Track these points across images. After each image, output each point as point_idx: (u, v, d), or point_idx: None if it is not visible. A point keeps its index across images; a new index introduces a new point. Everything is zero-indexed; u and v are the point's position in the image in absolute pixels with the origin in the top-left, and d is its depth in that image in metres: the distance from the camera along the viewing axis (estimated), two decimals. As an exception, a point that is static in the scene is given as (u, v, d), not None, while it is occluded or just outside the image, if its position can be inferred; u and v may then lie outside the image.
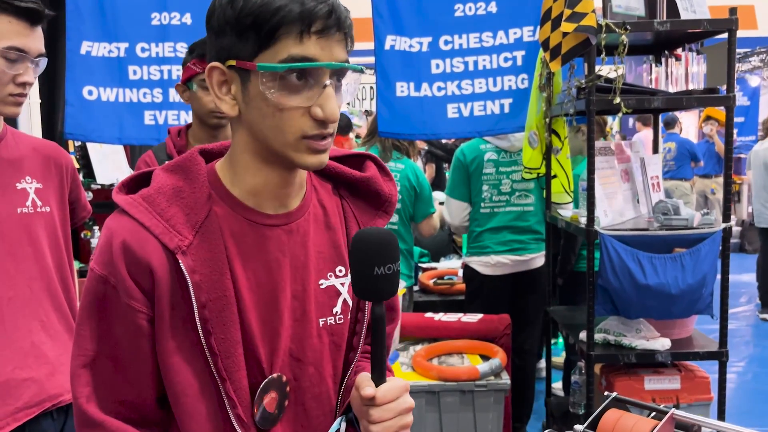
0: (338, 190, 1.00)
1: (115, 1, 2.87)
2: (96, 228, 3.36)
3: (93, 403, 0.85)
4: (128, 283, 0.82)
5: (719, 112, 7.46)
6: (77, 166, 3.59)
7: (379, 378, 0.85)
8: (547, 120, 2.87)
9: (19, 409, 1.41)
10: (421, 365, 2.48)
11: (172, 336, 0.84)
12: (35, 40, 1.39)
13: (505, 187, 3.11)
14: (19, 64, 1.36)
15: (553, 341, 4.43)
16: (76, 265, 3.12)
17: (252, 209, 0.88)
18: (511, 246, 3.09)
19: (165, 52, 2.89)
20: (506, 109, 2.99)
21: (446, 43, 3.00)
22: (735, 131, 9.42)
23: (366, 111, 8.29)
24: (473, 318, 2.77)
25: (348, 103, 7.15)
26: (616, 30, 2.22)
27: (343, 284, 0.96)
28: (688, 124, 9.26)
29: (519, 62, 2.97)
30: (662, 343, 2.36)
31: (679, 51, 2.62)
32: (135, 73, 2.88)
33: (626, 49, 2.23)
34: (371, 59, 3.03)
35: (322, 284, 0.93)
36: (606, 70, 2.32)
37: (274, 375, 0.90)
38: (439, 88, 3.01)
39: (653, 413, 1.22)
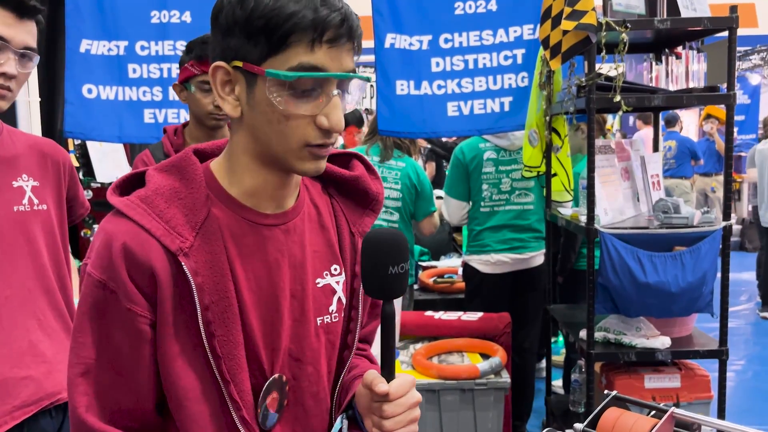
0: (327, 189, 1.00)
1: (115, -1, 2.87)
2: (96, 226, 3.36)
3: (92, 412, 0.83)
4: (129, 287, 0.81)
5: (719, 110, 7.45)
6: (77, 164, 3.59)
7: (389, 375, 0.87)
8: (548, 118, 2.86)
9: (16, 407, 1.41)
10: (421, 364, 2.48)
11: (174, 340, 0.83)
12: (21, 32, 1.36)
13: (504, 185, 3.11)
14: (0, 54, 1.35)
15: (553, 340, 4.43)
16: (76, 263, 3.12)
17: (250, 209, 0.87)
18: (511, 244, 3.09)
19: (165, 50, 2.89)
20: (506, 108, 2.99)
21: (446, 41, 2.99)
22: (735, 129, 9.44)
23: (366, 110, 8.29)
24: (473, 316, 2.77)
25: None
26: (617, 28, 2.21)
27: (338, 282, 0.96)
28: (689, 122, 9.26)
29: (519, 60, 2.96)
30: (662, 342, 2.36)
31: (679, 49, 2.62)
32: (135, 71, 2.88)
33: (626, 47, 2.22)
34: (371, 57, 3.02)
35: (318, 283, 0.94)
36: (606, 68, 2.32)
37: (276, 375, 0.90)
38: (439, 87, 3.00)
39: (653, 412, 1.22)
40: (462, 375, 2.41)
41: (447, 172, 3.32)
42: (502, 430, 2.50)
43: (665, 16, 2.41)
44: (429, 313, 2.85)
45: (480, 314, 2.79)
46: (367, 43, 3.05)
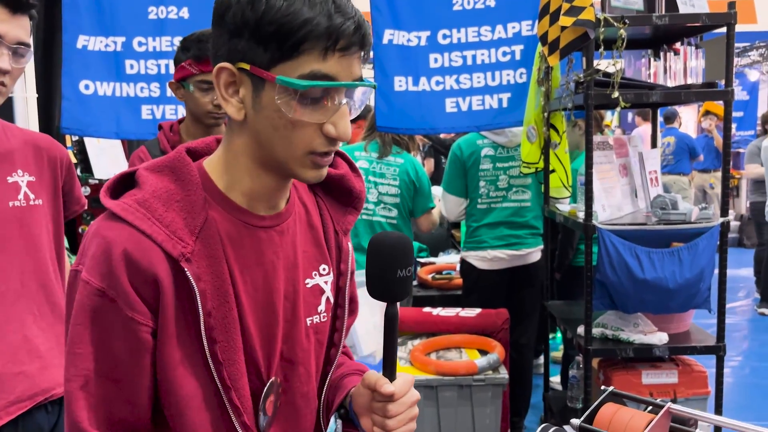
0: (313, 188, 0.99)
1: (112, -6, 2.86)
2: (94, 223, 3.35)
3: (95, 427, 0.81)
4: (131, 295, 0.78)
5: (718, 106, 7.45)
6: (74, 161, 3.58)
7: (391, 375, 0.89)
8: (546, 114, 2.86)
9: (11, 402, 1.41)
10: (419, 360, 2.48)
11: (176, 347, 0.81)
12: (14, 27, 1.35)
13: (502, 182, 3.10)
14: None
15: (551, 336, 4.44)
16: (73, 260, 3.12)
17: (247, 211, 0.86)
18: (508, 240, 3.09)
19: (162, 46, 2.88)
20: (504, 104, 2.98)
21: (444, 37, 2.99)
22: (734, 126, 9.44)
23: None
24: (471, 312, 2.77)
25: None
26: (615, 24, 2.21)
27: (326, 282, 0.96)
28: (687, 118, 9.25)
29: (517, 56, 2.96)
30: (660, 338, 2.36)
31: (677, 45, 2.62)
32: (132, 67, 2.87)
33: (624, 43, 2.22)
34: (369, 53, 3.01)
35: (308, 283, 0.94)
36: (604, 64, 2.31)
37: (273, 378, 0.90)
38: (438, 83, 3.00)
39: (650, 407, 1.22)
40: (460, 371, 2.41)
41: (445, 169, 3.31)
42: (500, 426, 2.50)
43: (663, 12, 2.41)
44: (427, 309, 2.85)
45: (478, 310, 2.79)
46: (366, 38, 3.05)
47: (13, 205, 1.45)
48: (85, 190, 3.23)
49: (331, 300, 0.98)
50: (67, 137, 3.68)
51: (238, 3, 0.78)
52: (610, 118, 9.46)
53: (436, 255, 4.45)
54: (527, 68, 2.94)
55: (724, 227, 2.33)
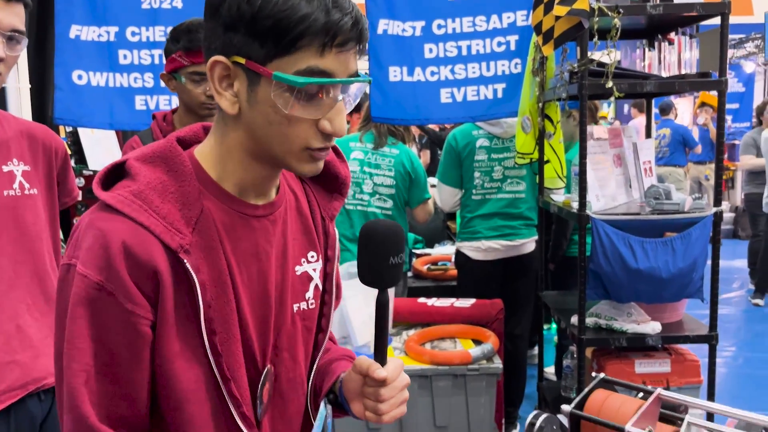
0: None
1: (105, -16, 2.84)
2: (88, 215, 3.34)
3: (104, 422, 0.80)
4: (130, 288, 0.77)
5: (714, 98, 7.46)
6: (68, 152, 3.57)
7: (382, 360, 0.91)
8: (540, 105, 2.86)
9: (2, 391, 1.41)
10: (414, 350, 2.49)
11: (176, 339, 0.80)
12: (9, 14, 1.35)
13: (497, 173, 3.11)
14: None
15: (546, 327, 4.46)
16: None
17: (241, 201, 0.86)
18: (502, 231, 3.10)
19: (156, 36, 2.86)
20: (499, 94, 2.98)
21: (439, 27, 2.98)
22: (729, 117, 9.45)
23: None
24: (466, 303, 2.77)
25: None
26: (609, 13, 2.21)
27: (315, 269, 0.96)
28: (683, 110, 9.26)
29: (512, 47, 2.96)
30: (653, 327, 2.37)
31: (672, 35, 2.61)
32: (125, 57, 2.86)
33: (619, 33, 2.22)
34: (364, 44, 3.00)
35: (297, 271, 0.94)
36: (599, 54, 2.31)
37: (268, 366, 0.90)
38: (432, 73, 2.99)
39: (641, 394, 1.23)
40: (454, 361, 2.42)
41: (440, 159, 3.31)
42: (494, 416, 2.51)
43: (658, 2, 2.40)
44: (422, 299, 2.86)
45: (473, 301, 2.79)
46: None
47: (8, 194, 1.45)
48: (79, 182, 3.22)
49: (320, 287, 0.98)
50: (61, 128, 3.67)
51: None
52: (607, 109, 9.47)
53: (432, 246, 4.46)
54: (522, 58, 2.94)
55: (717, 217, 2.34)
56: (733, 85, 9.49)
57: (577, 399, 1.19)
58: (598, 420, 1.12)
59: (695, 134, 8.00)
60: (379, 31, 2.97)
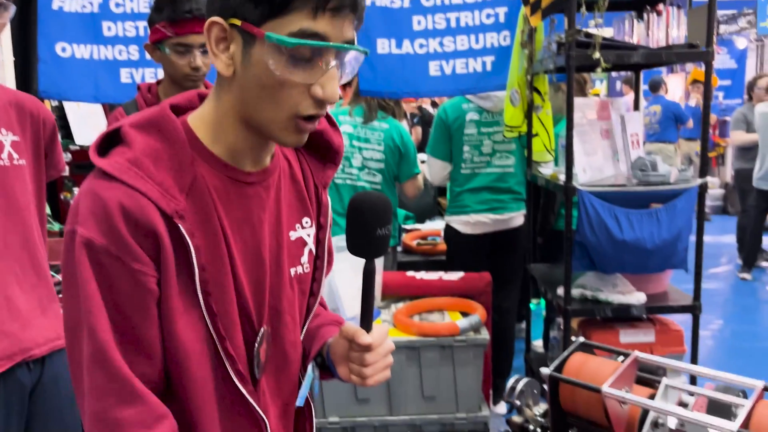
0: None
1: (88, -46, 2.79)
2: (76, 189, 3.33)
3: (135, 375, 0.81)
4: (134, 248, 0.78)
5: (705, 74, 7.44)
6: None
7: (368, 326, 0.93)
8: (529, 77, 2.85)
9: None
10: (402, 322, 2.51)
11: (178, 298, 0.82)
12: None
13: (486, 148, 3.10)
14: None
15: (535, 301, 4.50)
16: (56, 227, 3.10)
17: (234, 168, 0.87)
18: (491, 205, 3.11)
19: (140, 7, 2.82)
20: (488, 67, 2.97)
21: (428, -1, 2.96)
22: (722, 94, 9.44)
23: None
24: (454, 276, 2.79)
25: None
26: (597, -17, 2.20)
27: (309, 235, 0.99)
28: (674, 87, 9.24)
29: (501, 19, 2.93)
30: (637, 298, 2.40)
31: (660, 7, 2.60)
32: (110, 29, 2.82)
33: (606, 3, 2.21)
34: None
35: (291, 236, 0.96)
36: (593, 24, 2.30)
37: (264, 327, 0.92)
38: (421, 46, 2.97)
39: (620, 357, 1.25)
40: (442, 332, 2.44)
41: (430, 132, 3.31)
42: (481, 387, 2.54)
43: (646, -28, 2.39)
44: (411, 273, 2.87)
45: (461, 274, 2.81)
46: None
47: None
48: (66, 157, 3.19)
49: (314, 251, 1.00)
50: (47, 102, 3.63)
51: None
52: (599, 86, 9.45)
53: (423, 222, 4.46)
54: (511, 31, 2.92)
55: (702, 188, 2.35)
56: (726, 62, 9.47)
57: (556, 362, 1.20)
58: (576, 381, 1.14)
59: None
60: (368, 2, 2.94)
